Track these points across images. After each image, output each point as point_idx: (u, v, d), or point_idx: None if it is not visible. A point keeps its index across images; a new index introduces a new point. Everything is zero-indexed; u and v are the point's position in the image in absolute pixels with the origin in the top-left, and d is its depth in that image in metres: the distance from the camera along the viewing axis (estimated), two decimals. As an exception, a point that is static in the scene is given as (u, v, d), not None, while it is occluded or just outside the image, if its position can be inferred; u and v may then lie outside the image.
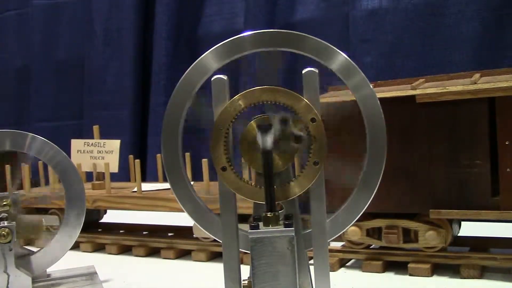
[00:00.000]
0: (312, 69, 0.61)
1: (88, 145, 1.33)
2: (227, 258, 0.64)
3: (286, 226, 0.59)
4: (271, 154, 0.60)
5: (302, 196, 0.63)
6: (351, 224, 0.65)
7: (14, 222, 0.85)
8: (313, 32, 0.63)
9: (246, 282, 0.61)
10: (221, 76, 0.63)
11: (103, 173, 1.29)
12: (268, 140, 0.59)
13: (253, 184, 0.62)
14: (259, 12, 1.67)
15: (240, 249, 0.65)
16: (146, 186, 1.26)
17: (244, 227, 0.66)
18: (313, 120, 0.60)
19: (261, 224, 0.60)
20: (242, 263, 0.65)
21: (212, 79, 0.63)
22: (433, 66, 1.40)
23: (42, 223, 0.94)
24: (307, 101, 0.61)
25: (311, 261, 0.64)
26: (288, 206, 0.63)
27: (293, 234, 0.58)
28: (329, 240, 0.64)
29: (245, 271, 0.65)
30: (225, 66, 0.65)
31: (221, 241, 0.65)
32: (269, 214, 0.59)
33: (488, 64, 1.29)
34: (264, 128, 0.59)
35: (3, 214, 0.85)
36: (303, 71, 0.61)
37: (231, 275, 0.63)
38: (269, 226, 0.59)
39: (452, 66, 1.36)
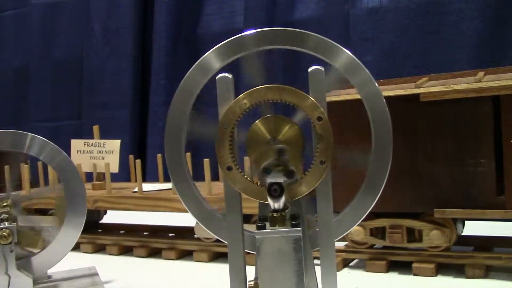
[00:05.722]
0: (318, 67, 0.60)
1: (88, 145, 1.32)
2: (232, 259, 0.63)
3: (293, 226, 0.58)
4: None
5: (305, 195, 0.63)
6: (356, 224, 0.65)
7: (15, 223, 0.84)
8: (313, 30, 0.62)
9: (252, 283, 0.61)
10: (226, 74, 0.62)
11: (103, 173, 1.29)
12: (280, 204, 0.59)
13: (258, 184, 0.62)
14: (259, 11, 1.67)
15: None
16: (147, 186, 1.25)
17: (248, 227, 0.65)
18: (319, 118, 0.60)
19: (267, 224, 0.59)
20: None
21: (217, 77, 0.62)
22: (434, 64, 1.40)
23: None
24: (313, 100, 0.60)
25: (316, 261, 0.64)
26: (294, 205, 0.63)
27: (300, 234, 0.58)
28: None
29: (248, 272, 0.64)
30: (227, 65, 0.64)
31: (225, 242, 0.64)
32: (275, 214, 0.59)
33: (489, 62, 1.29)
34: (275, 191, 0.58)
35: (3, 215, 0.84)
36: (309, 69, 0.60)
37: (237, 276, 0.63)
38: (275, 226, 0.58)
39: (453, 65, 1.36)
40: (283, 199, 0.58)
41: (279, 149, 0.60)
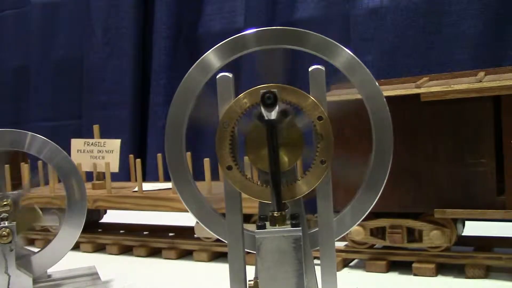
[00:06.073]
0: (319, 66, 0.60)
1: (88, 144, 1.32)
2: (232, 259, 0.63)
3: (293, 225, 0.58)
4: (275, 127, 0.59)
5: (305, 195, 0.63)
6: (356, 224, 0.65)
7: (15, 222, 0.84)
8: (313, 30, 0.62)
9: (252, 282, 0.60)
10: (226, 73, 0.62)
11: (103, 172, 1.29)
12: (272, 114, 0.57)
13: (259, 183, 0.62)
14: (259, 10, 1.66)
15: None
16: (147, 186, 1.25)
17: (248, 226, 0.65)
18: (320, 118, 0.59)
19: (267, 223, 0.59)
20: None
21: (217, 76, 0.62)
22: (434, 64, 1.40)
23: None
24: (314, 99, 0.60)
25: (316, 261, 0.64)
26: (294, 205, 0.63)
27: (301, 234, 0.58)
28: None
29: (248, 271, 0.64)
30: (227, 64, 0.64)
31: (226, 241, 0.64)
32: (275, 214, 0.59)
33: (489, 62, 1.29)
34: (269, 99, 0.57)
35: (3, 214, 0.84)
36: (310, 69, 0.60)
37: (237, 276, 0.62)
38: (276, 226, 0.58)
39: (453, 65, 1.36)
40: (276, 108, 0.57)
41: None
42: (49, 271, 0.94)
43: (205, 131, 1.53)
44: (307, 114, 0.60)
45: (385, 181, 0.62)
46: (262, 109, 0.57)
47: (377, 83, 0.62)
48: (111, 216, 1.44)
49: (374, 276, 0.95)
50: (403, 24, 1.44)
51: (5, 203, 0.87)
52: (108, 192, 1.24)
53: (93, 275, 0.97)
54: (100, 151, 1.31)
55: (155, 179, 1.40)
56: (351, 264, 1.03)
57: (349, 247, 1.00)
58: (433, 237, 0.91)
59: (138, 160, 1.23)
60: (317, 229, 0.63)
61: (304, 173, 0.61)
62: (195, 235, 1.13)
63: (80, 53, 2.09)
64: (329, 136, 0.60)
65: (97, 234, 1.30)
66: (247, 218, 0.99)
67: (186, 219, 1.10)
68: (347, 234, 0.74)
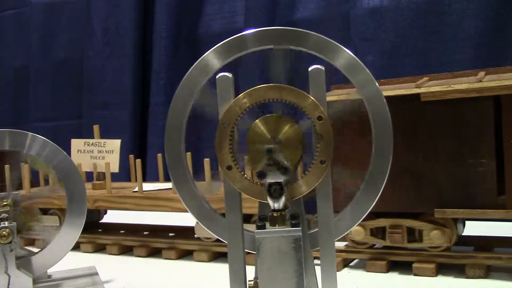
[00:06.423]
0: (318, 66, 0.60)
1: (88, 144, 1.32)
2: (232, 259, 0.63)
3: (293, 225, 0.58)
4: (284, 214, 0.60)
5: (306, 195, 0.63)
6: (356, 224, 0.65)
7: (15, 222, 0.84)
8: (314, 30, 0.63)
9: (252, 283, 0.61)
10: (226, 73, 0.62)
11: (104, 173, 1.29)
12: (280, 204, 0.59)
13: (258, 183, 0.62)
14: (259, 11, 1.66)
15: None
16: (147, 186, 1.25)
17: (248, 226, 0.65)
18: (319, 118, 0.60)
19: (267, 223, 0.59)
20: (244, 263, 0.64)
21: (217, 76, 0.62)
22: (435, 64, 1.40)
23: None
24: (314, 99, 0.60)
25: (316, 261, 0.64)
26: (294, 205, 0.63)
27: (300, 234, 0.58)
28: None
29: (248, 272, 0.64)
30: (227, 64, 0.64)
31: (225, 242, 0.64)
32: (275, 214, 0.59)
33: (489, 62, 1.29)
34: (275, 191, 0.58)
35: (3, 215, 0.84)
36: (310, 69, 0.60)
37: (237, 276, 0.63)
38: (275, 226, 0.59)
39: (453, 65, 1.35)
40: (283, 199, 0.58)
41: (267, 149, 0.60)
42: (49, 271, 0.94)
43: (205, 131, 1.52)
44: (307, 114, 0.60)
45: (385, 181, 0.62)
46: (269, 200, 0.59)
47: (377, 83, 0.62)
48: (111, 216, 1.44)
49: (374, 276, 0.95)
50: (403, 24, 1.44)
51: (5, 203, 0.87)
52: (108, 192, 1.24)
53: (93, 275, 0.97)
54: (100, 151, 1.31)
55: (155, 179, 1.40)
56: (351, 264, 1.03)
57: (349, 247, 1.00)
58: (433, 237, 0.91)
59: (138, 160, 1.23)
60: (317, 229, 0.63)
61: (304, 173, 0.61)
62: (195, 235, 1.13)
63: (80, 53, 2.09)
64: (329, 136, 0.60)
65: (97, 234, 1.30)
66: (247, 218, 0.99)
67: (186, 219, 1.10)
68: (347, 234, 0.74)
